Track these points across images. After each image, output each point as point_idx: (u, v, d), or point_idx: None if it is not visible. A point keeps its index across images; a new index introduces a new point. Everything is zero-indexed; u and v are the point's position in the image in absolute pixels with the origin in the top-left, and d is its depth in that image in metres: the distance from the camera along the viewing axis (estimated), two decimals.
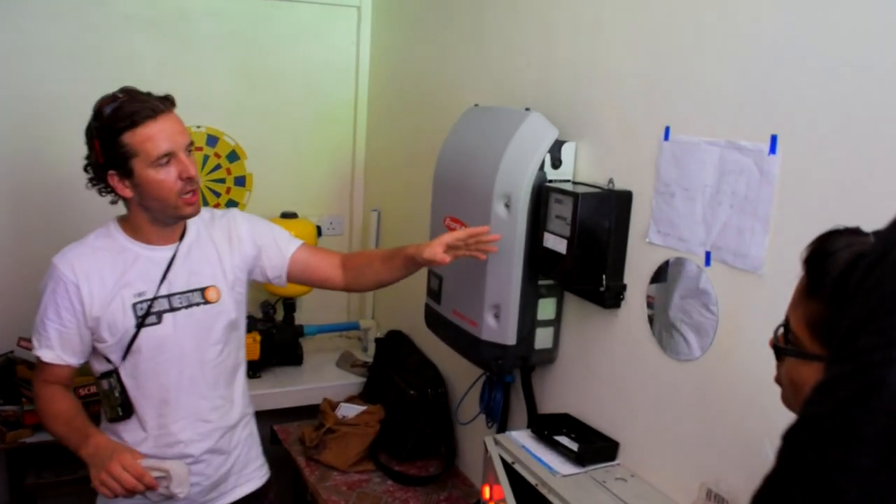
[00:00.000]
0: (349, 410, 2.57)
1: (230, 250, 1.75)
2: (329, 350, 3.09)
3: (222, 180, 2.97)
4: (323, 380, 2.86)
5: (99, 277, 1.61)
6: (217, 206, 2.96)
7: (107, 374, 1.65)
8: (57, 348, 1.63)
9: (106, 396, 1.66)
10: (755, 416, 1.40)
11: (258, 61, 2.93)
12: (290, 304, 2.97)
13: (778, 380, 0.95)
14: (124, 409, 1.65)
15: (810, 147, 1.30)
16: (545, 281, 1.89)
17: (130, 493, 1.50)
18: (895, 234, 0.62)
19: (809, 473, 0.58)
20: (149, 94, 1.59)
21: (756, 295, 1.41)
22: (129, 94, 1.58)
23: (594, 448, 1.74)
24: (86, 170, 1.62)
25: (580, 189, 1.73)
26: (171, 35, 2.79)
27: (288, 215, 2.94)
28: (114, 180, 1.57)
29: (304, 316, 3.09)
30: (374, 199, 3.19)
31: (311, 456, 2.47)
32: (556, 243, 1.74)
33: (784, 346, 0.90)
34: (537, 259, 1.82)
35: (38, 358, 1.65)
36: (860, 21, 1.22)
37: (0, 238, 2.67)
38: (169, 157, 1.55)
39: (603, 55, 1.79)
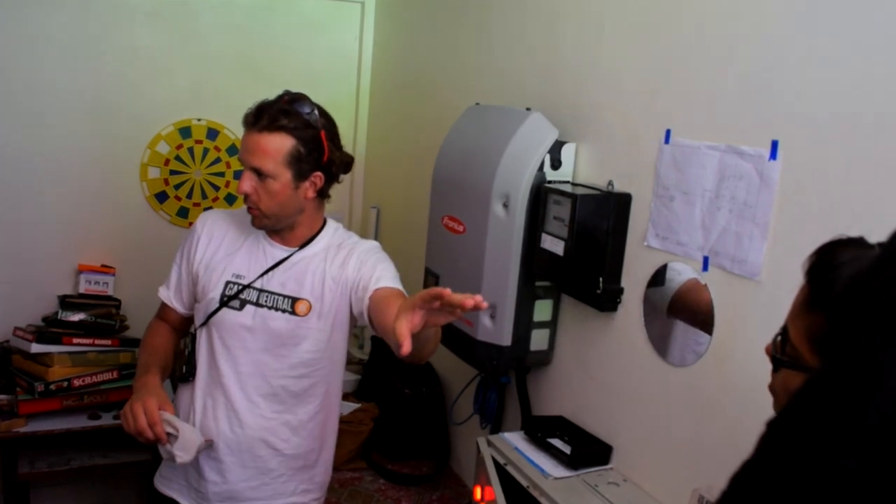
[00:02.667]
0: (343, 408, 2.56)
1: (338, 274, 1.62)
2: None
3: (222, 174, 2.96)
4: None
5: (218, 242, 1.68)
6: (216, 199, 2.96)
7: (187, 334, 1.73)
8: (171, 290, 1.74)
9: (180, 354, 1.73)
10: (749, 422, 1.39)
11: (260, 55, 2.92)
12: None
13: (772, 388, 0.93)
14: (189, 371, 1.68)
15: (811, 153, 1.29)
16: (542, 282, 1.87)
17: (140, 434, 1.50)
18: None
19: (793, 467, 0.57)
20: (281, 99, 1.65)
21: (753, 301, 1.40)
22: (282, 95, 1.65)
23: (587, 451, 1.73)
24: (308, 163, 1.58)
25: (579, 190, 1.72)
26: (173, 26, 2.78)
27: None
28: (316, 179, 1.60)
29: None
30: (373, 196, 3.18)
31: None
32: (553, 244, 1.73)
33: (781, 356, 0.89)
34: (534, 260, 1.81)
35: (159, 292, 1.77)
36: (862, 27, 1.21)
37: None
38: (246, 168, 1.60)
39: (606, 57, 1.78)
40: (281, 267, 1.63)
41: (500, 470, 1.75)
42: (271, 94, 3.12)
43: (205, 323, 1.65)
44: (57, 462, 2.49)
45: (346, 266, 1.62)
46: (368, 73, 3.13)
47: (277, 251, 1.65)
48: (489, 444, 1.83)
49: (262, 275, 1.63)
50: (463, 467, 2.44)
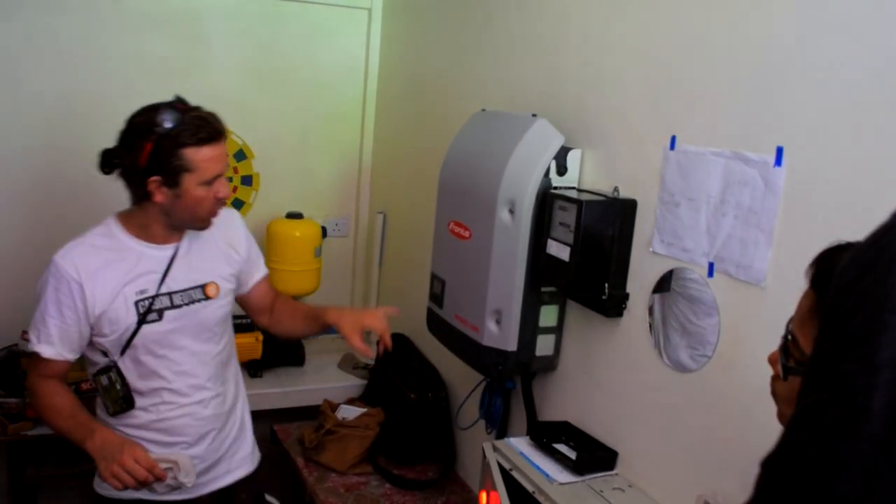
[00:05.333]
0: (349, 412, 2.57)
1: (227, 248, 1.81)
2: (331, 352, 3.09)
3: (229, 179, 2.97)
4: (324, 381, 2.86)
5: (102, 276, 1.62)
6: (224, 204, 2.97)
7: (105, 370, 1.67)
8: (57, 344, 1.64)
9: (106, 391, 1.68)
10: (754, 428, 1.39)
11: (268, 61, 2.94)
12: None
13: (774, 394, 0.94)
14: (126, 402, 1.67)
15: (816, 159, 1.29)
16: (547, 288, 1.88)
17: (142, 484, 1.54)
18: (870, 253, 0.61)
19: (793, 501, 0.57)
20: (200, 110, 1.63)
21: (758, 307, 1.40)
22: (188, 107, 1.61)
23: (592, 457, 1.73)
24: (109, 164, 1.65)
25: (584, 196, 1.73)
26: (181, 33, 2.79)
27: (294, 215, 2.94)
28: (153, 186, 1.59)
29: None
30: (379, 202, 3.19)
31: (310, 457, 2.47)
32: (559, 250, 1.74)
33: (790, 363, 0.89)
34: (540, 266, 1.81)
35: (36, 354, 1.65)
36: (868, 34, 1.21)
37: (4, 233, 2.67)
38: (217, 178, 1.64)
39: (611, 63, 1.79)
40: (175, 263, 1.69)
41: (506, 475, 1.76)
42: (278, 99, 3.14)
43: (125, 349, 1.65)
44: (64, 465, 2.50)
45: (234, 242, 1.81)
46: (375, 79, 3.14)
47: (163, 252, 1.69)
48: (495, 449, 1.83)
49: (162, 280, 1.66)
50: (468, 472, 2.44)
